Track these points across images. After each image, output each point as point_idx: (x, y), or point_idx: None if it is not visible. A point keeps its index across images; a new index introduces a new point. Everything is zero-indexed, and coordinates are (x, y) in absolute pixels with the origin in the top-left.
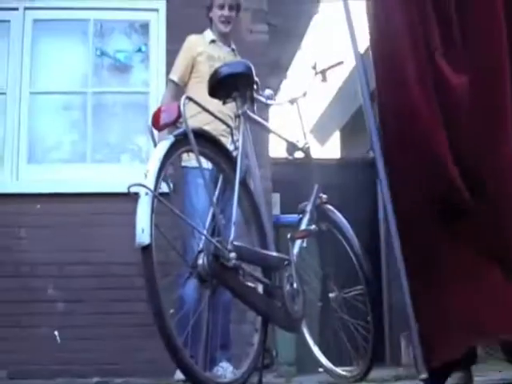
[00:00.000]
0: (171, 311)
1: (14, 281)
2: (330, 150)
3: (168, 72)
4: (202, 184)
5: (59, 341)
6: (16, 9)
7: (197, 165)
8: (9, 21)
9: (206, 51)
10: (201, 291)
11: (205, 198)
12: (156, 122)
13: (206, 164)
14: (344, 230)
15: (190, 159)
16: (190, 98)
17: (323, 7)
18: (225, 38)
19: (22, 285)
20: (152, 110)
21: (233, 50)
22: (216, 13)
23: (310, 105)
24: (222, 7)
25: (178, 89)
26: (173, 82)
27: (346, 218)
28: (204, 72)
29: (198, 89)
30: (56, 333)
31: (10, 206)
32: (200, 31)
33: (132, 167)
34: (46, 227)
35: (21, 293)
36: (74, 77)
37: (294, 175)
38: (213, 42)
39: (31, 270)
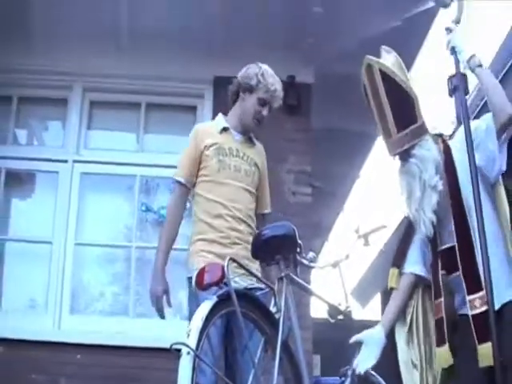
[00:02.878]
0: None
1: None
2: (371, 311)
3: None
4: None
5: None
6: (65, 161)
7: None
8: (57, 172)
9: (215, 143)
10: None
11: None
12: (200, 282)
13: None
14: None
15: None
16: (233, 260)
17: (365, 171)
18: (245, 130)
19: None
20: None
21: (250, 138)
22: (254, 105)
23: (351, 266)
24: (263, 104)
25: (186, 191)
26: (179, 183)
27: (388, 380)
28: (212, 168)
29: (208, 192)
30: None
31: (51, 354)
32: None
33: (173, 323)
34: (86, 378)
35: None
36: (119, 230)
37: (336, 337)
38: (224, 130)
39: None
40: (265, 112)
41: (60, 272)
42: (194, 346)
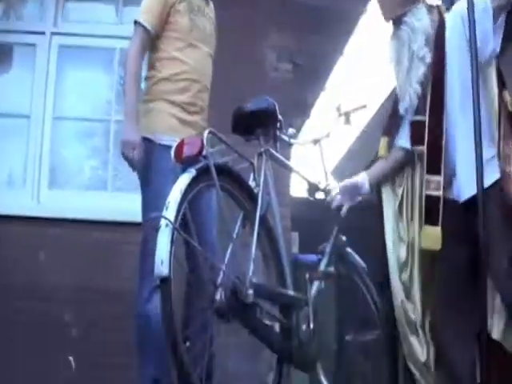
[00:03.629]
0: (187, 345)
1: (31, 303)
2: None
3: None
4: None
5: (74, 367)
6: (43, 33)
7: (170, 143)
8: (34, 45)
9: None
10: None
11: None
12: (178, 155)
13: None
14: (363, 275)
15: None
16: (213, 133)
17: (348, 50)
18: None
19: (39, 308)
20: None
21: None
22: None
23: (332, 146)
24: None
25: (149, 41)
26: (143, 27)
27: (365, 261)
28: (184, 27)
29: (179, 51)
30: (71, 359)
31: (30, 228)
32: None
33: None
34: (65, 252)
35: (37, 316)
36: (98, 104)
37: (314, 215)
38: None
39: (49, 293)
40: None
41: (38, 147)
42: (172, 218)
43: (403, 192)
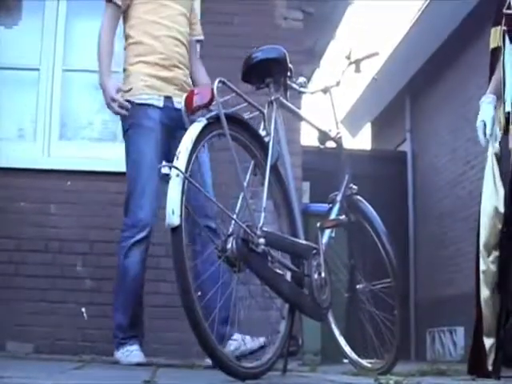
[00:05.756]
0: (199, 293)
1: (43, 256)
2: (361, 141)
3: None
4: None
5: (86, 317)
6: None
7: (149, 102)
8: None
9: None
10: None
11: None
12: (189, 105)
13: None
14: (373, 222)
15: (147, 94)
16: (223, 82)
17: None
18: None
19: (51, 260)
20: None
21: None
22: None
23: (342, 95)
24: None
25: (119, 12)
26: (112, 3)
27: (376, 210)
28: None
29: (147, 13)
30: (83, 309)
31: (40, 181)
32: None
33: None
34: (76, 204)
35: (49, 268)
36: None
37: (325, 164)
38: None
39: (60, 246)
40: None
41: (48, 99)
42: (183, 168)
43: None
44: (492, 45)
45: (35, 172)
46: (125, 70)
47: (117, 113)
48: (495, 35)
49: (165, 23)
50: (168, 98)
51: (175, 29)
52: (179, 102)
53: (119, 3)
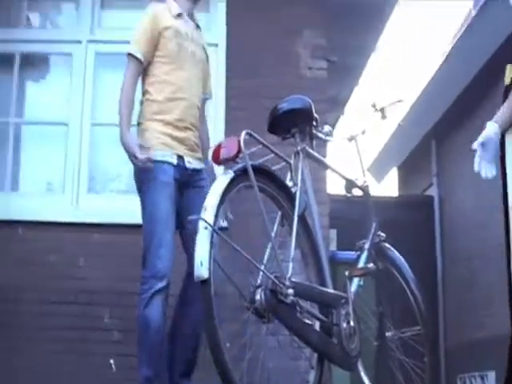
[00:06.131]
0: (228, 345)
1: (72, 308)
2: (387, 187)
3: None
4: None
5: (114, 369)
6: (79, 42)
7: (165, 159)
8: (71, 53)
9: (173, 26)
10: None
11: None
12: (216, 157)
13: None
14: (402, 269)
15: (158, 150)
16: (250, 134)
17: (381, 44)
18: (191, 13)
19: (80, 312)
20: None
21: (197, 26)
22: None
23: (368, 141)
24: None
25: (141, 69)
26: (135, 58)
27: (404, 256)
28: (172, 51)
29: (167, 74)
30: (111, 361)
31: (69, 234)
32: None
33: None
34: (104, 256)
35: (78, 320)
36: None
37: (352, 212)
38: (179, 15)
39: (89, 298)
40: None
41: (77, 153)
42: (211, 220)
43: None
44: (507, 81)
45: (64, 225)
46: (139, 123)
47: (143, 168)
48: (510, 71)
49: (180, 85)
50: (180, 157)
51: (189, 91)
52: (190, 161)
53: (142, 59)
